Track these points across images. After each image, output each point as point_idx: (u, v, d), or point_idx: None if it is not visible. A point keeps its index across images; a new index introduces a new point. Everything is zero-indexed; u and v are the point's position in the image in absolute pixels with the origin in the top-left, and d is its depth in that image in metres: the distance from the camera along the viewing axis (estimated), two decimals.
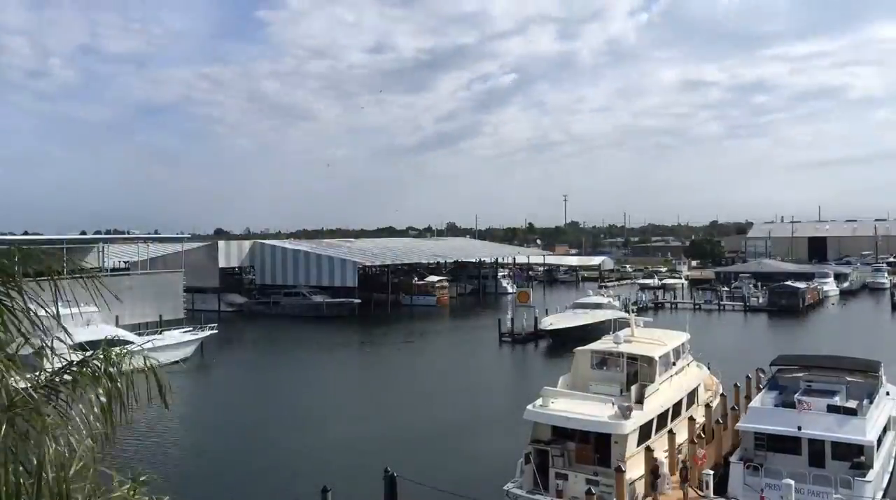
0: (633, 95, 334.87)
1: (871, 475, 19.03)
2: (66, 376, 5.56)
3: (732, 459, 20.88)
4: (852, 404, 21.76)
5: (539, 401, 21.45)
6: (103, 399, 5.43)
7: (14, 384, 5.15)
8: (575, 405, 21.14)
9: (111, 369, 5.57)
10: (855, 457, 19.71)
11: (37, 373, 5.68)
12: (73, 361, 5.65)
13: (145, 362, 6.00)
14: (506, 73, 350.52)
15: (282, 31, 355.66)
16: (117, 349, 5.91)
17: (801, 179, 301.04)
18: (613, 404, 21.16)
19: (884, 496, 19.97)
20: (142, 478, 5.23)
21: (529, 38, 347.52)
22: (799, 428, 20.11)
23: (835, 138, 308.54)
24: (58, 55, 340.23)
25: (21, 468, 4.63)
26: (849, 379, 23.51)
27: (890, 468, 21.54)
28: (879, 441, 20.52)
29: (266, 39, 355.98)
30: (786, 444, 20.44)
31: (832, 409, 21.06)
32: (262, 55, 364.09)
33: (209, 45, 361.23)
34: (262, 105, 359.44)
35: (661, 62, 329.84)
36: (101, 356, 5.69)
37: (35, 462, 4.70)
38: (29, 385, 5.33)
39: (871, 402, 22.10)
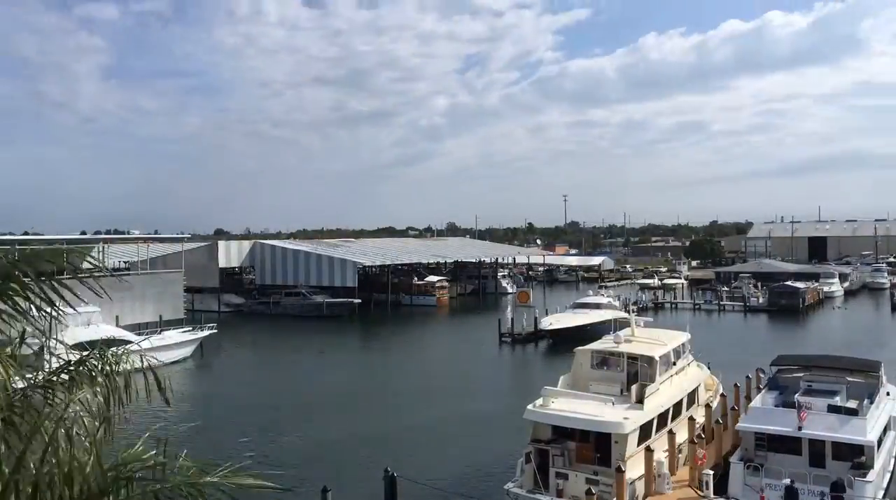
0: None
1: (871, 475, 19.01)
2: (64, 376, 5.56)
3: (733, 459, 20.86)
4: (853, 404, 21.75)
5: (539, 401, 21.45)
6: (100, 398, 5.43)
7: (12, 384, 5.14)
8: (575, 405, 21.14)
9: (107, 368, 5.56)
10: (856, 457, 19.68)
11: (36, 373, 5.68)
12: (70, 361, 5.65)
13: (142, 361, 6.00)
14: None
15: None
16: (114, 349, 5.91)
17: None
18: (613, 403, 21.17)
19: (884, 496, 19.94)
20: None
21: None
22: (799, 428, 20.09)
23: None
24: None
25: (20, 467, 4.62)
26: (849, 379, 23.49)
27: (890, 469, 21.52)
28: (880, 442, 20.49)
29: None
30: (786, 444, 20.42)
31: (833, 409, 21.05)
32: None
33: None
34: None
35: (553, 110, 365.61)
36: (98, 356, 5.68)
37: (32, 461, 4.69)
38: (26, 385, 5.32)
39: (871, 402, 22.08)
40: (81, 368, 5.54)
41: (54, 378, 5.50)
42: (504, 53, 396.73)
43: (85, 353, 5.75)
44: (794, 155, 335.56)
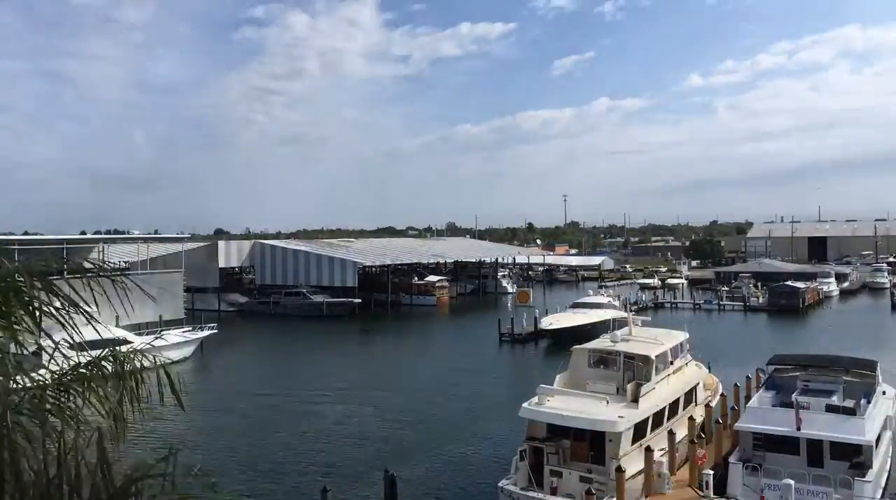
0: None
1: (870, 474, 19.04)
2: (82, 371, 5.58)
3: (731, 459, 20.89)
4: (850, 403, 21.80)
5: (535, 399, 21.52)
6: (111, 400, 5.45)
7: (23, 384, 5.17)
8: (570, 403, 21.21)
9: (118, 369, 5.58)
10: (854, 457, 19.71)
11: (41, 371, 5.70)
12: (80, 362, 5.67)
13: (155, 363, 6.02)
14: None
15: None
16: (125, 349, 5.93)
17: None
18: (608, 402, 21.21)
19: (883, 495, 19.97)
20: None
21: None
22: (798, 428, 20.12)
23: None
24: None
25: (28, 469, 4.65)
26: (846, 379, 23.55)
27: (887, 468, 21.56)
28: (877, 441, 20.54)
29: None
30: (784, 444, 20.45)
31: (831, 409, 21.08)
32: None
33: None
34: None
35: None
36: (111, 357, 5.70)
37: (43, 462, 4.71)
38: (37, 385, 5.34)
39: (868, 401, 22.13)
40: (93, 369, 5.56)
41: (66, 378, 5.51)
42: None
43: (97, 353, 5.77)
44: None
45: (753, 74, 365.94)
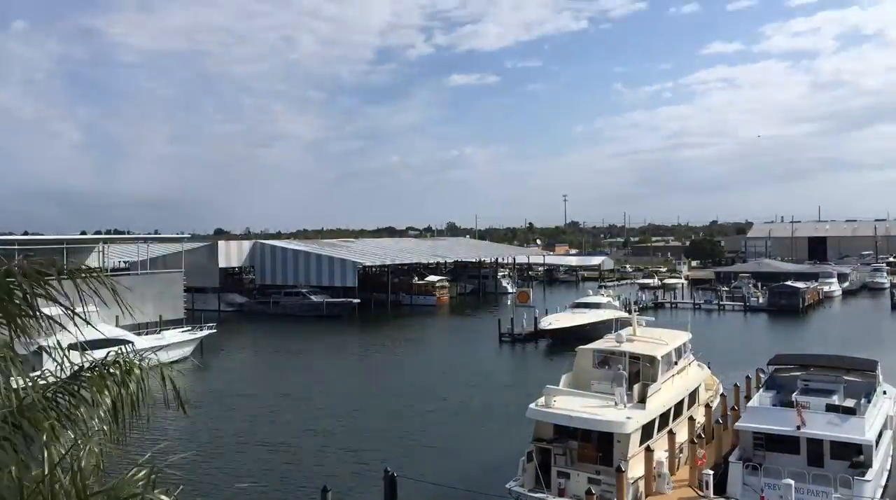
0: None
1: (870, 474, 19.03)
2: (86, 373, 5.55)
3: (731, 458, 20.88)
4: (850, 403, 21.80)
5: (541, 400, 21.45)
6: (108, 403, 5.42)
7: (25, 387, 5.13)
8: (577, 404, 21.15)
9: (117, 374, 5.55)
10: (854, 456, 19.70)
11: (42, 371, 5.67)
12: (83, 365, 5.64)
13: (161, 372, 5.97)
14: None
15: None
16: (127, 353, 5.90)
17: None
18: (615, 403, 21.16)
19: (883, 495, 19.96)
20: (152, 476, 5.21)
21: None
22: (798, 427, 20.10)
23: None
24: None
25: (30, 471, 4.62)
26: (846, 378, 23.54)
27: (888, 468, 21.56)
28: (877, 440, 20.53)
29: None
30: (784, 444, 20.43)
31: (831, 408, 21.07)
32: None
33: None
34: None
35: None
36: (112, 361, 5.67)
37: (46, 465, 4.68)
38: (40, 389, 5.30)
39: (868, 401, 22.13)
40: (96, 373, 5.52)
41: (70, 382, 5.48)
42: None
43: (100, 358, 5.73)
44: None
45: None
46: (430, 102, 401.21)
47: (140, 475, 5.00)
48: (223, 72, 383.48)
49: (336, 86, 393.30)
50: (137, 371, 5.67)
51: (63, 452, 4.84)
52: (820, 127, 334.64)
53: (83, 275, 5.83)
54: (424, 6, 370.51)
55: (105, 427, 5.37)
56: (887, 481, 21.00)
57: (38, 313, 5.25)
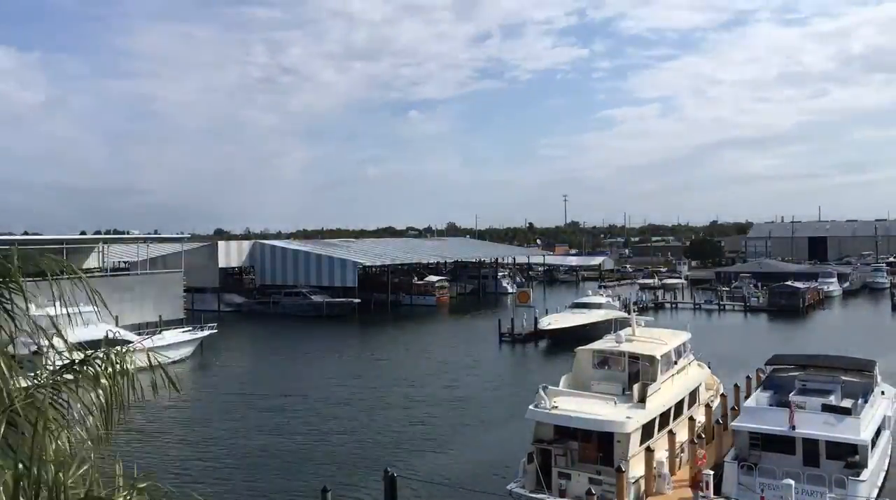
0: None
1: (865, 474, 19.01)
2: (68, 376, 5.54)
3: (726, 458, 20.86)
4: (847, 403, 21.74)
5: (541, 400, 21.41)
6: (103, 399, 5.40)
7: (15, 384, 5.12)
8: (577, 405, 21.12)
9: (109, 369, 5.53)
10: (849, 457, 19.68)
11: (37, 371, 5.65)
12: (74, 360, 5.63)
13: (149, 359, 5.96)
14: None
15: None
16: (118, 348, 5.88)
17: None
18: (616, 403, 21.15)
19: (878, 495, 19.94)
20: (140, 485, 5.18)
21: None
22: (793, 428, 20.09)
23: None
24: None
25: (21, 467, 4.61)
26: (843, 378, 23.52)
27: (885, 468, 21.53)
28: (874, 441, 20.49)
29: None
30: (780, 444, 20.40)
31: (827, 408, 21.05)
32: None
33: None
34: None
35: None
36: (103, 356, 5.65)
37: (33, 461, 4.67)
38: (30, 385, 5.30)
39: (865, 401, 22.10)
40: (85, 368, 5.52)
41: (58, 378, 5.47)
42: None
43: (89, 352, 5.72)
44: None
45: None
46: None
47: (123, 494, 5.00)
48: None
49: None
50: (128, 365, 5.67)
51: (51, 449, 4.83)
52: None
53: (82, 276, 5.82)
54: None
55: (98, 424, 5.36)
56: (884, 481, 20.98)
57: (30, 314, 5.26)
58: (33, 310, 5.58)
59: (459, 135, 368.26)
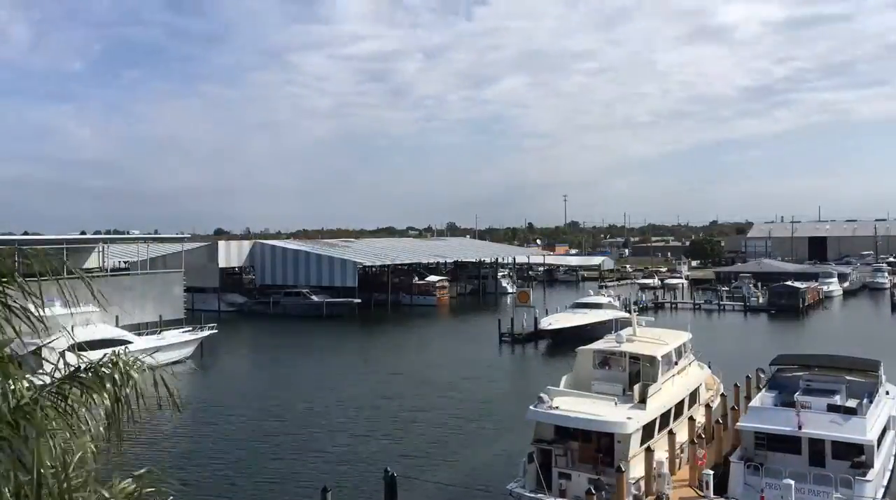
0: None
1: (871, 474, 19.01)
2: (75, 381, 5.52)
3: (733, 458, 20.85)
4: (852, 403, 21.75)
5: (542, 400, 21.41)
6: (108, 404, 5.39)
7: (21, 388, 5.11)
8: (578, 405, 21.11)
9: (116, 377, 5.52)
10: (855, 456, 19.69)
11: (40, 373, 5.64)
12: (79, 366, 5.61)
13: (154, 376, 5.94)
14: None
15: None
16: (124, 355, 5.87)
17: None
18: (616, 403, 21.13)
19: (884, 495, 19.95)
20: (142, 470, 5.17)
21: None
22: (799, 427, 20.09)
23: None
24: None
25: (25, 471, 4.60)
26: (848, 378, 23.49)
27: (890, 468, 21.53)
28: (879, 441, 20.50)
29: None
30: (786, 443, 20.41)
31: (832, 408, 21.05)
32: None
33: None
34: None
35: None
36: (110, 363, 5.64)
37: (36, 465, 4.66)
38: (36, 390, 5.27)
39: (870, 401, 22.09)
40: (91, 375, 5.50)
41: (65, 385, 5.45)
42: None
43: (96, 359, 5.70)
44: None
45: None
46: None
47: (129, 487, 4.98)
48: None
49: None
50: (135, 374, 5.64)
51: (53, 452, 4.81)
52: None
53: (82, 276, 5.81)
54: None
55: (102, 429, 5.34)
56: (889, 481, 20.98)
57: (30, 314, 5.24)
58: (34, 310, 5.57)
59: None
